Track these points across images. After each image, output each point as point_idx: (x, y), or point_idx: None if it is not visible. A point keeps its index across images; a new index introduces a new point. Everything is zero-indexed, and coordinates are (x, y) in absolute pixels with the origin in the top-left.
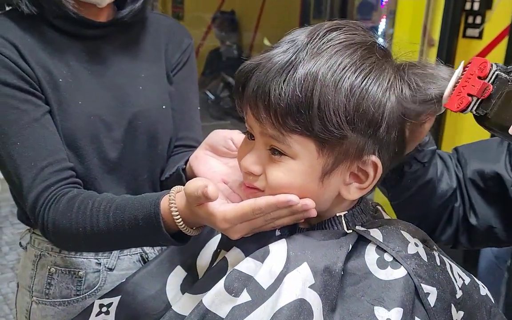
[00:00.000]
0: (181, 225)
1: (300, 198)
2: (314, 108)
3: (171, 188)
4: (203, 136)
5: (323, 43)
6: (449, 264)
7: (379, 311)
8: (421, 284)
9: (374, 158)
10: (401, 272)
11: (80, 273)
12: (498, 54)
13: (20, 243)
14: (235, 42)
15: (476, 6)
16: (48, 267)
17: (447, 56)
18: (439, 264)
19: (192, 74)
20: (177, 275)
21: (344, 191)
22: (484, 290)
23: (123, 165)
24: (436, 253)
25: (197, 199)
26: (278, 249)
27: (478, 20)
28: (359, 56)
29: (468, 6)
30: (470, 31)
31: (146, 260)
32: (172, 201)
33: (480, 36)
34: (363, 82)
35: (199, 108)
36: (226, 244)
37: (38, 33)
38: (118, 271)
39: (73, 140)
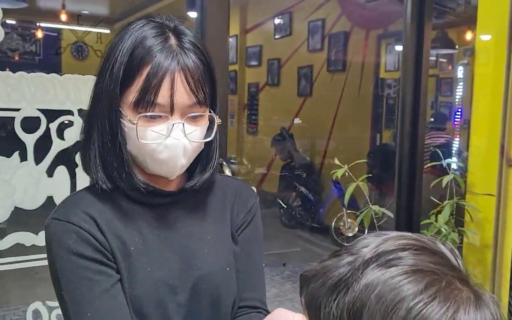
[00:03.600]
0: None
1: None
2: None
3: None
4: (274, 242)
5: (387, 261)
6: None
7: None
8: None
9: None
10: None
11: None
12: None
13: None
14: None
15: None
16: None
17: None
18: None
19: (257, 233)
20: None
21: None
22: None
23: None
24: None
25: None
26: None
27: None
28: (424, 284)
29: None
30: None
31: None
32: None
33: None
34: (420, 314)
35: (264, 265)
36: None
37: (115, 205)
38: None
39: (140, 306)
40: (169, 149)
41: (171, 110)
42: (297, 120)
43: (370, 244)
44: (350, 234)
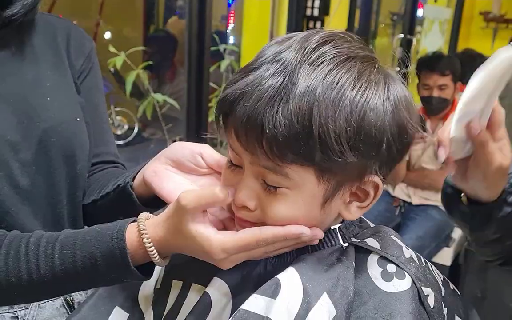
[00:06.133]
0: (154, 257)
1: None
2: (314, 137)
3: (107, 208)
4: None
5: (316, 57)
6: (429, 262)
7: None
8: (422, 287)
9: (376, 178)
10: (407, 282)
11: None
12: None
13: None
14: None
15: (315, 12)
16: None
17: None
18: (424, 264)
19: (98, 81)
20: (117, 317)
21: (345, 212)
22: (452, 285)
23: (37, 192)
24: (418, 254)
25: (201, 206)
26: (291, 281)
27: (318, 25)
28: (356, 72)
29: (308, 12)
30: None
31: (71, 303)
32: (143, 230)
33: None
34: (362, 100)
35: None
36: (190, 273)
37: None
38: None
39: None
40: None
41: None
42: None
43: (286, 46)
44: (119, 132)
